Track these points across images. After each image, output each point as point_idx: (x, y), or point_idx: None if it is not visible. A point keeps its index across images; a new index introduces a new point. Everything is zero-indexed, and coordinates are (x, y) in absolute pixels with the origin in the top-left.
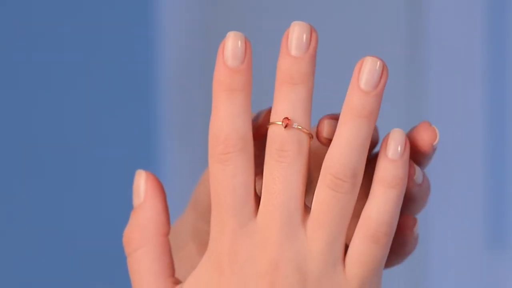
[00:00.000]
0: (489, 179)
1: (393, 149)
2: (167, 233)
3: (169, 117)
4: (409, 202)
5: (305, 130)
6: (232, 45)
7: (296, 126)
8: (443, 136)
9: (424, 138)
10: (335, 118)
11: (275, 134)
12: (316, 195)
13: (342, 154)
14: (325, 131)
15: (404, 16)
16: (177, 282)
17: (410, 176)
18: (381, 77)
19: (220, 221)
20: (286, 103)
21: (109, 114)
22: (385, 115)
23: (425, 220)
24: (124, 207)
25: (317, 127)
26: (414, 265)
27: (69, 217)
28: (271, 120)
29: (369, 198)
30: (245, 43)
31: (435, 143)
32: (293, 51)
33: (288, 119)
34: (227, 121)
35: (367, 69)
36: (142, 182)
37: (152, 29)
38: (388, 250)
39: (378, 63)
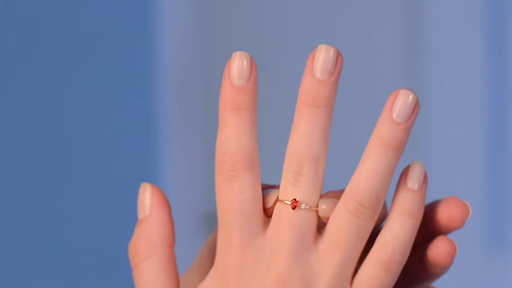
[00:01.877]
0: (489, 179)
1: (413, 180)
2: (173, 245)
3: (169, 117)
4: (435, 277)
5: (313, 208)
6: (238, 64)
7: (303, 207)
8: (443, 136)
9: (457, 215)
10: (333, 196)
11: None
12: (335, 218)
13: (368, 181)
14: (320, 211)
15: (404, 16)
16: None
17: (452, 254)
18: (413, 111)
19: (226, 236)
20: (307, 126)
21: (109, 114)
22: None
23: None
24: (124, 207)
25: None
26: None
27: (69, 217)
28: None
29: (385, 226)
30: (251, 62)
31: (468, 218)
32: (318, 74)
33: (296, 201)
34: (234, 139)
35: (401, 102)
36: (147, 195)
37: (152, 29)
38: (396, 278)
39: (411, 96)
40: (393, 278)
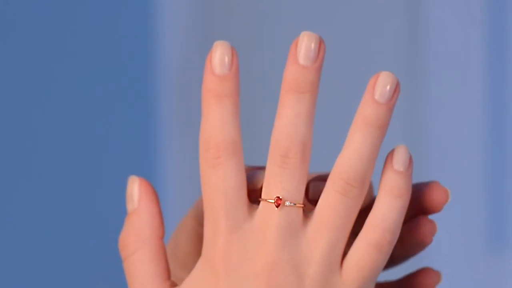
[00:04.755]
0: (489, 179)
1: (399, 162)
2: (162, 236)
3: (169, 117)
4: (412, 255)
5: (298, 205)
6: (219, 53)
7: (288, 204)
8: (443, 137)
9: (436, 199)
10: (321, 179)
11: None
12: (323, 198)
13: (354, 160)
14: (310, 194)
15: (404, 16)
16: (174, 284)
17: (433, 233)
18: (394, 91)
19: (213, 223)
20: (293, 111)
21: (109, 114)
22: None
23: None
24: (124, 207)
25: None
26: (413, 265)
27: (69, 217)
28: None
29: (374, 207)
30: (232, 51)
31: (446, 203)
32: (302, 60)
33: (280, 199)
34: (217, 126)
35: (382, 82)
36: (135, 188)
37: (152, 29)
38: (387, 258)
39: (392, 77)
40: (383, 258)
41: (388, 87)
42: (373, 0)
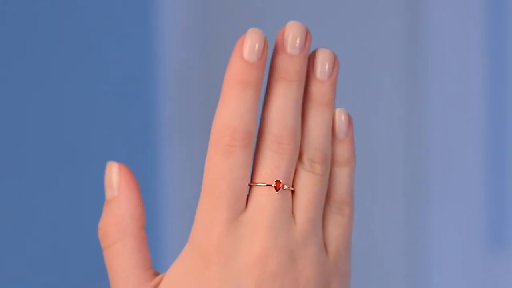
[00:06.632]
0: (489, 179)
1: (340, 131)
2: (143, 226)
3: (169, 117)
4: None
5: (291, 188)
6: (252, 40)
7: (286, 188)
8: (443, 137)
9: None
10: None
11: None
12: (297, 180)
13: (313, 139)
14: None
15: (404, 16)
16: (156, 274)
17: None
18: (334, 66)
19: (212, 211)
20: (283, 99)
21: (109, 114)
22: (386, 115)
23: (426, 220)
24: None
25: None
26: (414, 265)
27: (69, 216)
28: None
29: (329, 180)
30: (264, 41)
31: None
32: (289, 49)
33: (280, 182)
34: (237, 114)
35: (321, 60)
36: (114, 174)
37: (152, 29)
38: (352, 221)
39: (329, 53)
40: (349, 221)
41: (327, 65)
42: (373, 0)
